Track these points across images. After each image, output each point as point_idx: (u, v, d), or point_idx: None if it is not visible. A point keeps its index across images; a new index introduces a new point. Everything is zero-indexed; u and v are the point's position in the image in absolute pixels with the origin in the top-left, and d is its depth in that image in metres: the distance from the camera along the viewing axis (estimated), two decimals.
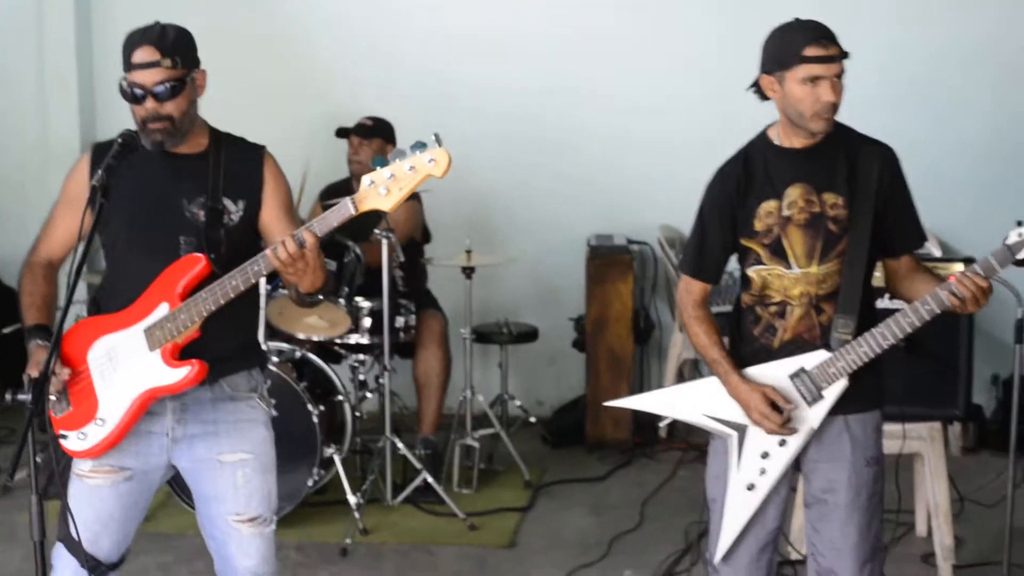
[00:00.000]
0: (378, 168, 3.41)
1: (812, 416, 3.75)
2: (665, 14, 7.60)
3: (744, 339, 3.87)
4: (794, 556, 5.17)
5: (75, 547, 3.58)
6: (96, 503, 3.62)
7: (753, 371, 3.79)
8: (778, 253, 3.75)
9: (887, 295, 4.33)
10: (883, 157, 3.77)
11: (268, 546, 3.80)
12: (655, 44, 7.63)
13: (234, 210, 3.66)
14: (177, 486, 5.62)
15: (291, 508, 5.84)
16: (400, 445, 6.24)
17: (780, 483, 3.84)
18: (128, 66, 3.57)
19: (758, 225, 3.76)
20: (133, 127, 3.60)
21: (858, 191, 3.71)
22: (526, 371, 7.82)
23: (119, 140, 3.50)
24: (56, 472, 3.25)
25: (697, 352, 3.97)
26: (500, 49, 7.76)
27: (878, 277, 3.90)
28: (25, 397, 3.10)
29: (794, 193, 3.73)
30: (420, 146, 3.39)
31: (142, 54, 3.54)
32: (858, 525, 3.81)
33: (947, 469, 5.42)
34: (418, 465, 6.24)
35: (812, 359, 3.74)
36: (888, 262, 3.86)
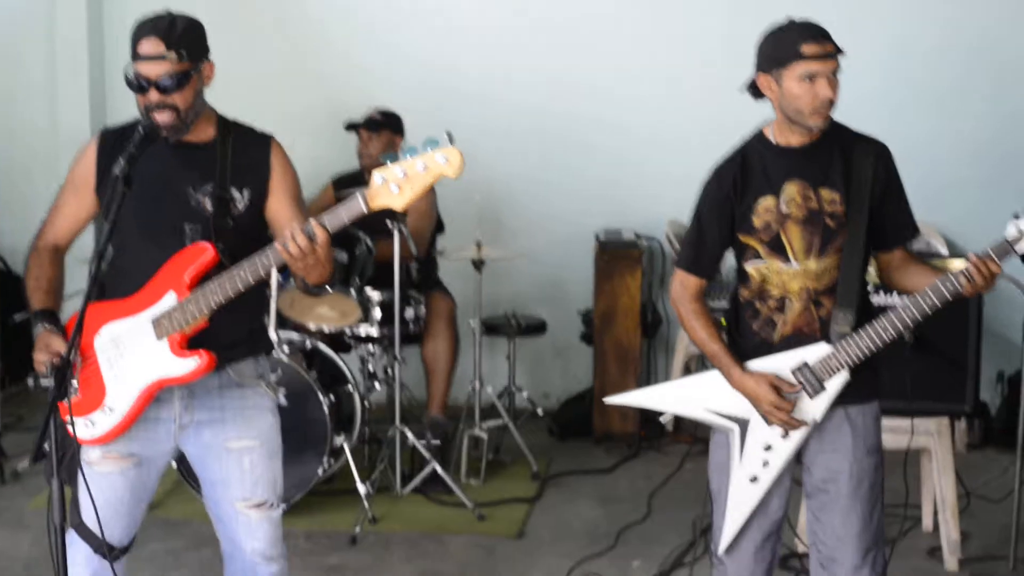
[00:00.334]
0: (389, 164, 3.38)
1: (815, 408, 3.78)
2: (676, 7, 7.61)
3: (743, 334, 3.90)
4: (801, 548, 5.19)
5: (88, 533, 3.61)
6: (106, 489, 3.63)
7: (755, 364, 3.82)
8: (777, 249, 3.78)
9: (881, 291, 4.36)
10: (877, 153, 3.82)
11: (275, 529, 3.82)
12: (665, 37, 7.64)
13: (240, 199, 3.67)
14: (186, 472, 5.65)
15: (301, 496, 5.88)
16: (409, 435, 6.27)
17: (783, 474, 3.87)
18: (135, 55, 3.57)
19: (756, 221, 3.79)
20: None
21: (853, 187, 3.76)
22: (534, 363, 7.85)
23: (141, 130, 3.50)
24: (65, 459, 3.26)
25: (696, 347, 4.00)
26: (509, 40, 7.78)
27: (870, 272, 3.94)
28: (48, 383, 3.11)
29: (792, 190, 3.77)
30: (432, 143, 3.36)
31: (148, 46, 3.54)
32: (860, 514, 3.84)
33: (954, 464, 5.44)
34: (427, 455, 6.27)
35: (814, 352, 3.77)
36: (881, 255, 3.91)
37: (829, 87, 3.66)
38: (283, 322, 6.24)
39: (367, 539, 5.81)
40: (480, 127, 7.41)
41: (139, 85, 3.56)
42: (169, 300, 3.56)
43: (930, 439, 5.38)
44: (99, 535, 3.57)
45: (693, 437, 6.99)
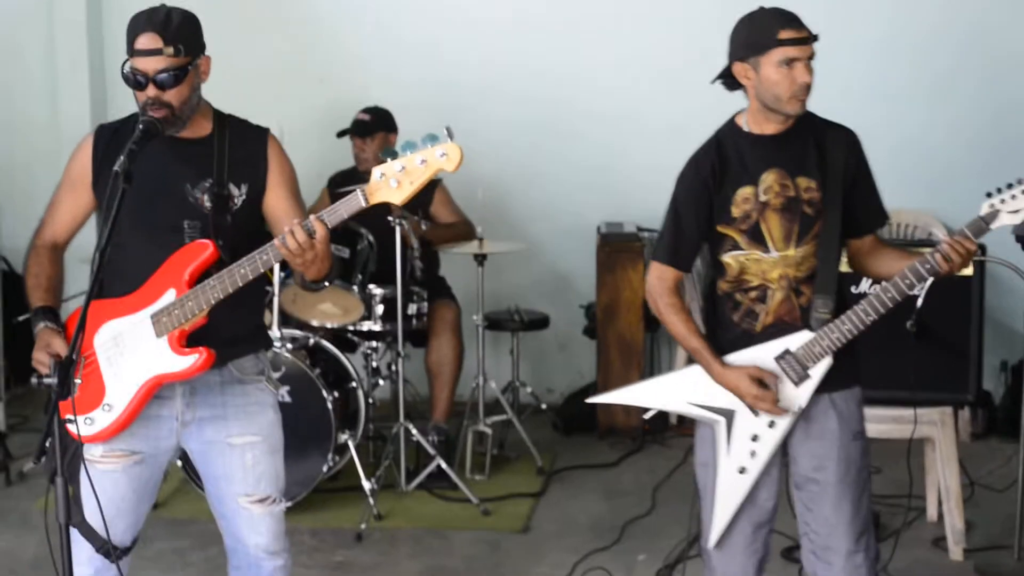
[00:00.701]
0: (388, 160, 3.39)
1: (800, 395, 3.80)
2: None
3: (723, 326, 3.90)
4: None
5: (89, 531, 3.61)
6: (109, 488, 3.62)
7: (739, 356, 3.83)
8: (756, 238, 3.80)
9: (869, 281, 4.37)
10: (848, 141, 3.85)
11: (278, 524, 3.82)
12: (666, 28, 7.63)
13: (238, 194, 3.67)
14: (191, 471, 5.65)
15: (305, 493, 5.89)
16: (414, 431, 6.28)
17: (771, 464, 3.88)
18: (131, 51, 3.55)
19: (735, 211, 3.80)
20: None
21: (828, 174, 3.79)
22: (537, 358, 7.85)
23: (141, 126, 3.48)
24: (67, 457, 3.26)
25: (676, 340, 3.98)
26: (510, 33, 7.77)
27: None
28: (51, 380, 3.11)
29: (769, 178, 3.79)
30: (432, 139, 3.37)
31: (145, 40, 3.53)
32: (851, 500, 3.85)
33: (958, 454, 5.45)
34: (432, 451, 6.28)
35: (796, 340, 3.79)
36: (853, 242, 3.94)
37: (807, 72, 3.69)
38: (286, 319, 6.24)
39: (373, 536, 5.81)
40: (481, 121, 7.42)
41: (136, 81, 3.55)
42: (169, 297, 3.57)
43: (933, 429, 5.38)
44: (101, 534, 3.57)
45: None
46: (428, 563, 5.56)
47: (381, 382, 6.72)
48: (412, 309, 6.53)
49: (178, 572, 5.47)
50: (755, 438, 3.84)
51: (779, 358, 3.79)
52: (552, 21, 7.75)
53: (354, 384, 6.27)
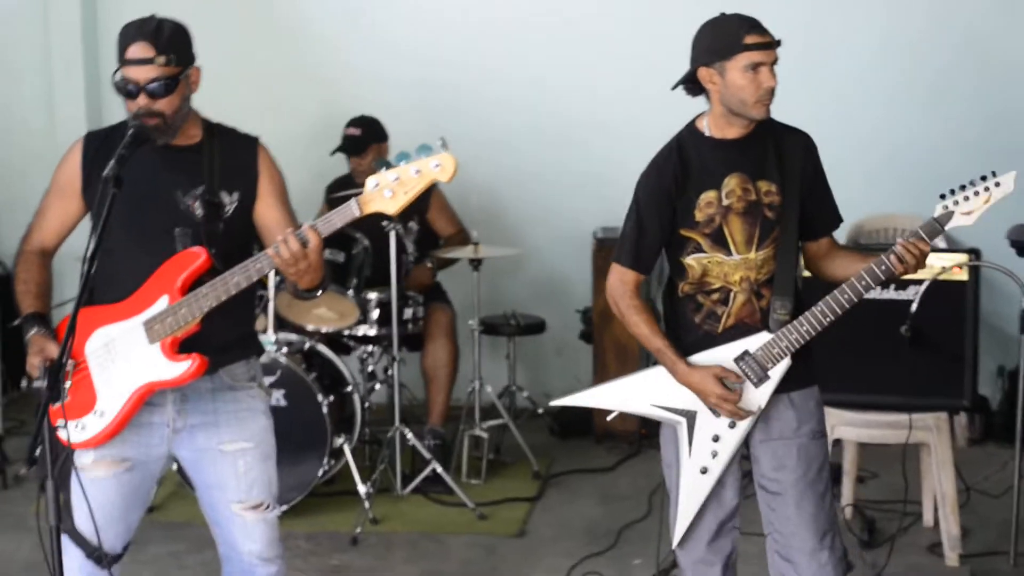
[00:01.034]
0: (382, 170, 3.40)
1: (760, 396, 3.83)
2: (668, 3, 7.60)
3: (685, 328, 3.92)
4: None
5: (80, 538, 3.61)
6: (99, 495, 3.61)
7: (699, 357, 3.86)
8: (719, 241, 3.83)
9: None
10: (804, 144, 3.90)
11: (272, 530, 3.82)
12: (659, 34, 7.59)
13: (228, 202, 3.66)
14: (187, 475, 5.65)
15: (301, 498, 5.88)
16: (409, 435, 6.28)
17: (732, 463, 3.91)
18: (122, 60, 3.55)
19: (699, 215, 3.83)
20: None
21: (788, 178, 3.83)
22: (534, 362, 7.84)
23: (131, 131, 3.49)
24: (58, 463, 3.26)
25: (639, 341, 4.00)
26: (504, 38, 7.77)
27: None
28: (41, 384, 3.10)
29: (732, 182, 3.82)
30: (426, 149, 3.39)
31: (136, 50, 3.52)
32: (813, 499, 3.87)
33: (953, 459, 5.45)
34: (427, 455, 6.28)
35: (755, 341, 3.82)
36: (809, 245, 3.98)
37: (771, 76, 3.72)
38: (281, 323, 6.24)
39: (368, 540, 5.81)
40: (477, 126, 7.43)
41: (127, 91, 3.55)
42: (162, 304, 3.56)
43: (929, 434, 5.38)
44: (91, 541, 3.57)
45: None
46: (424, 567, 5.56)
47: (377, 386, 6.72)
48: (408, 314, 6.54)
49: (174, 574, 5.46)
50: (716, 439, 3.88)
51: (738, 359, 3.82)
52: (549, 26, 7.74)
53: (350, 388, 6.27)
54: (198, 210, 3.63)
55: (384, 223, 6.09)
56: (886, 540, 5.40)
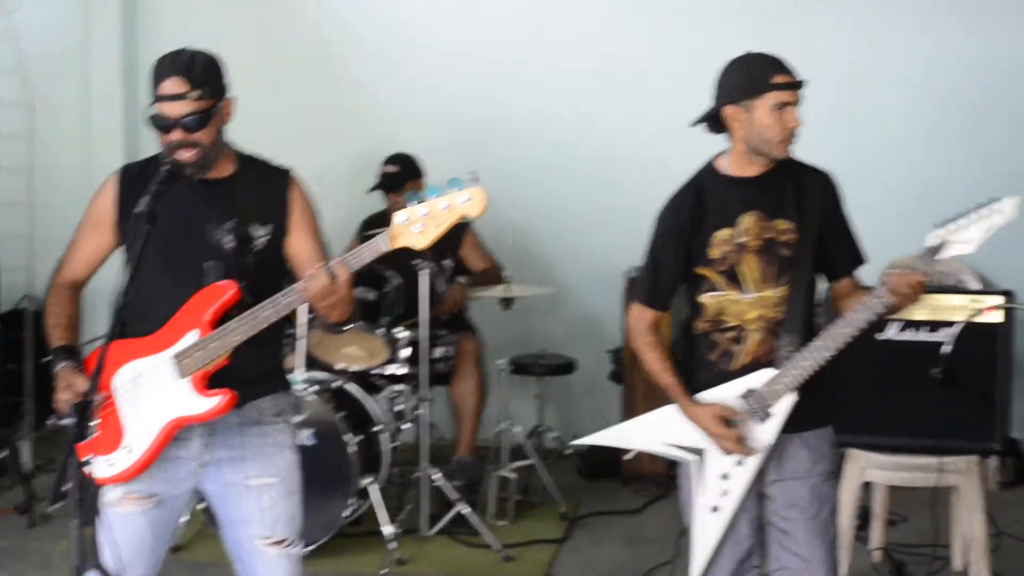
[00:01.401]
0: (413, 204, 3.40)
1: (766, 433, 3.83)
2: (701, 41, 7.59)
3: (701, 365, 3.94)
4: None
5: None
6: (128, 530, 3.63)
7: (705, 395, 3.87)
8: (733, 279, 3.84)
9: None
10: (823, 183, 3.91)
11: (295, 567, 3.81)
12: (692, 72, 7.57)
13: (261, 235, 3.68)
14: (212, 511, 5.64)
15: (326, 538, 5.86)
16: (437, 476, 6.26)
17: (745, 501, 3.90)
18: (156, 96, 3.58)
19: (714, 253, 3.85)
20: None
21: (806, 216, 3.83)
22: (563, 403, 7.83)
23: (166, 168, 3.51)
24: (85, 499, 3.26)
25: (652, 377, 4.02)
26: (539, 77, 7.82)
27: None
28: (68, 421, 3.11)
29: (748, 220, 3.83)
30: (456, 183, 3.39)
31: (170, 85, 3.55)
32: (823, 538, 3.87)
33: (984, 503, 5.40)
34: (453, 497, 6.26)
35: (759, 378, 3.82)
36: (833, 285, 3.99)
37: (795, 117, 3.75)
38: (311, 362, 6.24)
39: None
40: (513, 164, 7.47)
41: (162, 125, 3.58)
42: (192, 338, 3.57)
43: (959, 477, 5.33)
44: None
45: None
46: None
47: (406, 426, 6.71)
48: (438, 352, 6.55)
49: None
50: (725, 477, 3.88)
51: (743, 396, 3.82)
52: (583, 66, 7.78)
53: (378, 428, 6.26)
54: (229, 243, 3.64)
55: (415, 262, 6.10)
56: None
